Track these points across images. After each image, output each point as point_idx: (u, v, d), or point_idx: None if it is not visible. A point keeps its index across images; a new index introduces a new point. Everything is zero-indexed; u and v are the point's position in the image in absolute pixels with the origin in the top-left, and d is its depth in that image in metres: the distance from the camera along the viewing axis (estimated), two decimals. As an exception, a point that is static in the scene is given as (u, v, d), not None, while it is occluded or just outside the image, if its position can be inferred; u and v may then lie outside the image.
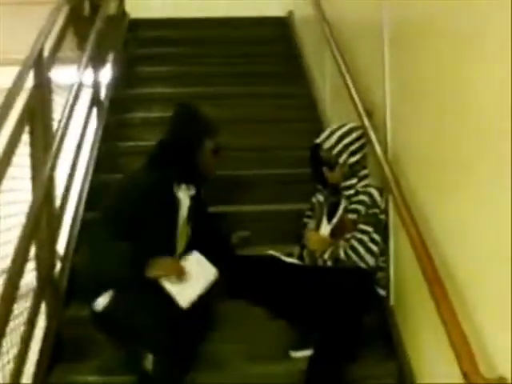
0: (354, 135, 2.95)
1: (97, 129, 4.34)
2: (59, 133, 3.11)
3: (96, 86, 4.48)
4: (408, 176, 2.65)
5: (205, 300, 2.67)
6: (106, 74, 4.91)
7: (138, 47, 5.71)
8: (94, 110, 4.40)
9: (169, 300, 2.58)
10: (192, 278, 2.63)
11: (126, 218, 2.64)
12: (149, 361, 2.54)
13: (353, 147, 2.93)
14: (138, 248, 2.58)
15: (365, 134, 2.96)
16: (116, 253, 2.58)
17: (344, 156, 2.92)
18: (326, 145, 2.96)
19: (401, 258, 2.81)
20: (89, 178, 3.91)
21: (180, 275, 2.62)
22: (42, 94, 3.11)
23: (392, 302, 2.94)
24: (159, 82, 5.15)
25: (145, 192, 2.69)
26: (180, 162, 2.78)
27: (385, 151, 2.85)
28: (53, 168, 3.00)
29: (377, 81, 3.08)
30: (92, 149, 4.15)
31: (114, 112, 4.67)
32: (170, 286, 2.59)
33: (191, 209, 2.86)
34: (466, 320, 1.99)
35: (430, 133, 2.38)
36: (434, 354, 2.41)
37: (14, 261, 2.47)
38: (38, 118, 3.02)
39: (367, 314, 2.79)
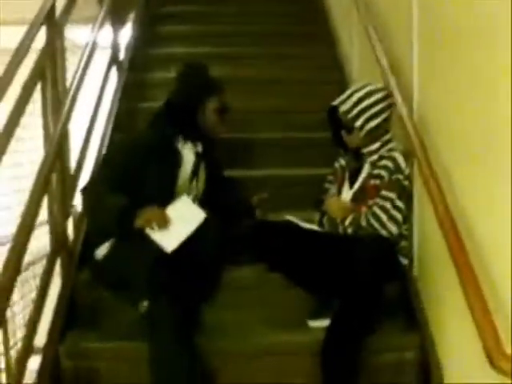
0: (374, 98, 2.79)
1: (116, 88, 4.24)
2: (71, 91, 3.01)
3: (115, 45, 4.36)
4: (435, 140, 2.51)
5: (202, 245, 2.60)
6: (126, 33, 4.79)
7: (160, 5, 5.57)
8: (113, 70, 4.29)
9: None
10: (176, 223, 2.60)
11: (123, 172, 2.67)
12: (143, 305, 2.52)
13: (372, 111, 2.78)
14: (133, 201, 2.58)
15: (389, 96, 2.81)
16: (107, 206, 2.61)
17: (361, 120, 2.77)
18: (343, 108, 2.81)
19: (425, 226, 2.69)
20: (107, 137, 3.82)
21: (162, 223, 2.58)
22: (54, 51, 2.99)
23: (415, 271, 2.83)
24: (180, 42, 5.01)
25: (142, 146, 2.73)
26: (182, 120, 2.79)
27: (410, 113, 2.70)
28: (64, 127, 2.91)
29: (405, 39, 2.92)
30: (111, 108, 4.06)
31: (134, 72, 4.56)
32: (153, 234, 2.58)
33: (196, 165, 2.84)
34: (490, 294, 1.88)
35: (461, 95, 2.23)
36: (457, 327, 2.30)
37: (23, 219, 2.39)
38: (49, 76, 2.92)
39: (388, 283, 2.69)
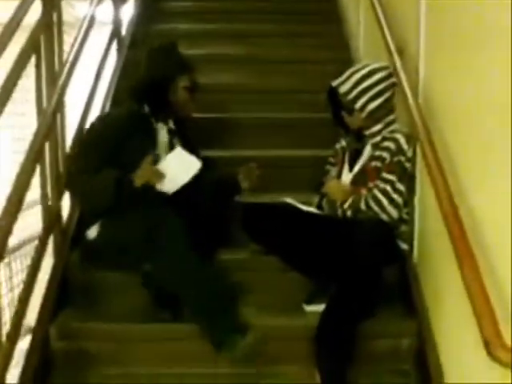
0: (375, 78, 2.69)
1: (116, 65, 4.15)
2: (67, 65, 2.93)
3: (116, 21, 4.27)
4: (439, 123, 2.43)
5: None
6: (129, 8, 4.70)
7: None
8: (114, 46, 4.21)
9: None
10: (172, 175, 2.67)
11: (103, 146, 2.72)
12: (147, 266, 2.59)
13: (372, 91, 2.68)
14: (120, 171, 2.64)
15: (392, 75, 2.72)
16: (99, 185, 2.63)
17: (361, 101, 2.68)
18: (342, 89, 2.72)
19: (426, 211, 2.61)
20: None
21: (159, 178, 2.64)
22: (49, 24, 2.91)
23: (415, 257, 2.76)
24: (185, 18, 4.93)
25: (118, 123, 2.78)
26: (153, 98, 2.80)
27: (415, 94, 2.61)
28: (59, 101, 2.83)
29: (411, 17, 2.84)
30: (109, 85, 3.98)
31: (135, 48, 4.46)
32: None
33: (171, 141, 2.86)
34: (491, 284, 1.80)
35: (467, 78, 2.14)
36: (456, 315, 2.23)
37: (11, 196, 2.32)
38: (43, 50, 2.83)
39: (387, 267, 2.62)
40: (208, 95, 3.24)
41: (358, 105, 2.68)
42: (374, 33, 3.34)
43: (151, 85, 2.81)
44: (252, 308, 2.68)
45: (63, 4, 3.21)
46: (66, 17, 3.26)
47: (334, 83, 2.76)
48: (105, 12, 4.22)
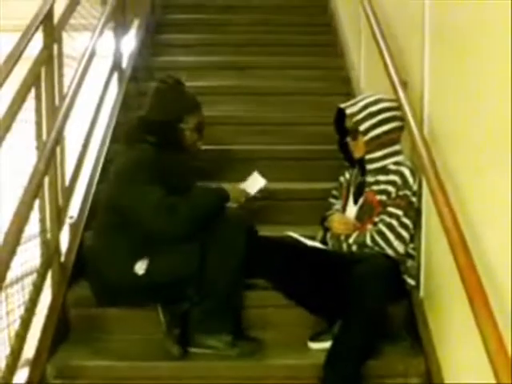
0: (382, 105, 2.70)
1: (116, 98, 4.13)
2: (67, 99, 2.89)
3: (117, 53, 4.26)
4: (445, 155, 2.39)
5: None
6: (130, 40, 4.69)
7: (166, 13, 5.49)
8: (114, 79, 4.19)
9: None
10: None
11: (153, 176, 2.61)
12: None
13: (378, 118, 2.68)
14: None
15: (397, 108, 2.70)
16: (205, 206, 2.66)
17: (366, 125, 2.67)
18: (349, 110, 2.73)
19: (433, 246, 2.56)
20: (105, 148, 3.71)
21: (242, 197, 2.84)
22: (50, 57, 2.89)
23: (422, 293, 2.70)
24: (186, 51, 4.93)
25: (148, 161, 2.64)
26: (161, 137, 2.71)
27: (420, 126, 2.57)
28: (59, 135, 2.79)
29: (415, 48, 2.82)
30: (110, 118, 3.94)
31: (136, 81, 4.46)
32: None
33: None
34: (505, 323, 1.74)
35: (472, 109, 2.11)
36: (466, 352, 2.16)
37: (9, 230, 2.27)
38: (44, 83, 2.82)
39: (393, 304, 2.60)
40: (207, 127, 3.20)
41: (363, 127, 2.67)
42: (375, 65, 3.32)
43: (158, 125, 2.73)
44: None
45: (64, 36, 3.21)
46: (66, 49, 3.26)
47: (343, 105, 2.77)
48: (105, 44, 4.21)
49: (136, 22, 4.91)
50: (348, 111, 2.72)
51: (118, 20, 4.30)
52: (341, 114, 2.79)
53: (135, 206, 2.56)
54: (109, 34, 4.23)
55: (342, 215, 2.76)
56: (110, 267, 2.64)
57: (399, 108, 2.70)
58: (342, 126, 2.80)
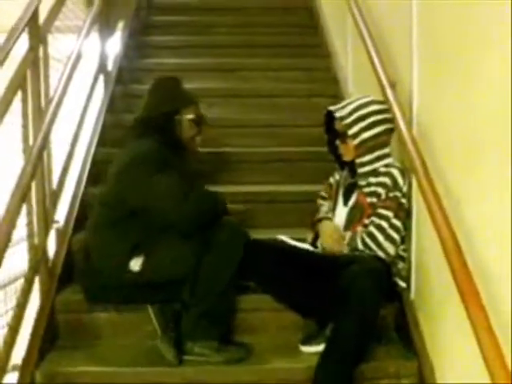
0: (372, 108, 2.68)
1: (103, 100, 4.09)
2: (53, 102, 2.86)
3: (103, 56, 4.23)
4: (435, 155, 2.38)
5: None
6: (115, 42, 4.65)
7: (152, 15, 5.47)
8: (100, 81, 4.16)
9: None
10: None
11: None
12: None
13: (368, 121, 2.66)
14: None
15: (387, 110, 2.69)
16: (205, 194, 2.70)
17: (355, 128, 2.65)
18: (339, 113, 2.70)
19: (423, 247, 2.55)
20: (91, 151, 3.67)
21: None
22: (36, 59, 2.86)
23: (413, 295, 2.69)
24: (172, 53, 4.90)
25: (156, 156, 2.63)
26: (157, 134, 2.69)
27: (409, 127, 2.57)
28: (45, 138, 2.76)
29: (403, 48, 2.81)
30: (96, 121, 3.91)
31: (122, 83, 4.43)
32: None
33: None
34: (497, 320, 1.73)
35: (463, 108, 2.10)
36: (458, 353, 2.16)
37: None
38: (30, 86, 2.79)
39: (384, 306, 2.57)
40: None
41: (352, 131, 2.65)
42: (363, 65, 3.31)
43: (156, 120, 2.73)
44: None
45: (50, 38, 3.18)
46: (52, 51, 3.22)
47: (332, 107, 2.74)
48: (91, 46, 4.18)
49: (121, 24, 4.87)
50: (337, 114, 2.70)
51: (103, 22, 4.27)
52: (330, 116, 2.77)
53: (153, 195, 2.55)
54: (94, 36, 4.21)
55: (334, 226, 2.72)
56: (104, 262, 2.62)
57: (388, 111, 2.69)
58: (332, 128, 2.78)
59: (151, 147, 2.64)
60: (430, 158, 2.38)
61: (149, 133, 2.70)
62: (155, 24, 5.34)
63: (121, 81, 4.44)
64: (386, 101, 2.70)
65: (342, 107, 2.72)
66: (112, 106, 4.13)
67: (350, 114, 2.66)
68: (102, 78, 4.20)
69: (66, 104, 3.18)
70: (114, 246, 2.62)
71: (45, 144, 2.76)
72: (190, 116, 2.79)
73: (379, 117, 2.67)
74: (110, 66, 4.39)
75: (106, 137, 3.84)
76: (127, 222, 2.61)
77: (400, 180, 2.62)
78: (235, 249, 2.58)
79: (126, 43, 4.82)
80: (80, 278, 2.83)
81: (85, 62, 4.05)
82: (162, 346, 2.57)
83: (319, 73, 4.65)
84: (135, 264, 2.60)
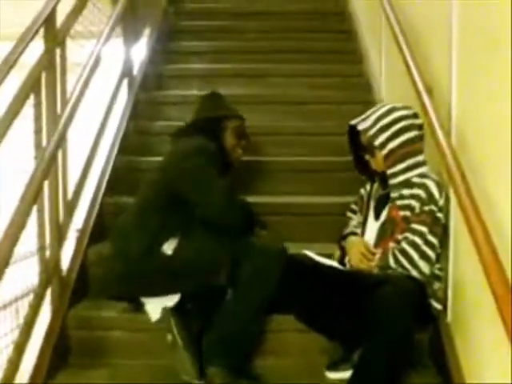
0: (396, 115, 2.51)
1: (125, 106, 3.96)
2: (69, 105, 2.73)
3: (127, 60, 4.10)
4: (476, 167, 2.19)
5: None
6: (141, 48, 4.53)
7: (179, 20, 5.34)
8: (124, 86, 4.03)
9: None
10: None
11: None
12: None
13: (393, 129, 2.49)
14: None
15: (413, 116, 2.53)
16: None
17: (381, 138, 2.49)
18: (362, 126, 2.55)
19: (462, 266, 2.36)
20: (111, 160, 3.54)
21: None
22: (52, 61, 2.73)
23: (449, 318, 2.49)
24: (199, 58, 4.75)
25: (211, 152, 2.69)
26: (205, 135, 2.76)
27: (448, 136, 2.37)
28: (60, 143, 2.63)
29: (441, 51, 2.62)
30: (118, 127, 3.77)
31: (147, 89, 4.30)
32: None
33: None
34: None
35: (505, 115, 1.90)
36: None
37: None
38: (44, 89, 2.67)
39: (418, 331, 2.39)
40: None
41: (378, 142, 2.49)
42: (397, 71, 3.15)
43: (205, 122, 2.86)
44: (267, 372, 2.47)
45: (72, 44, 3.10)
46: (75, 57, 3.11)
47: (354, 121, 2.60)
48: (115, 52, 4.07)
49: (148, 30, 4.75)
50: (360, 127, 2.55)
51: (129, 26, 4.15)
52: (354, 130, 2.61)
53: (203, 187, 2.58)
54: (119, 41, 4.10)
55: (362, 242, 2.55)
56: (138, 242, 2.53)
57: (416, 115, 2.54)
58: (359, 142, 2.62)
59: (206, 143, 2.71)
60: (470, 169, 2.18)
61: (197, 133, 2.78)
62: (183, 29, 5.20)
63: (146, 87, 4.31)
64: (415, 107, 2.52)
65: (364, 119, 2.57)
66: (135, 113, 4.00)
67: (373, 124, 2.51)
68: (126, 83, 4.07)
69: (86, 109, 3.07)
70: (152, 228, 2.56)
71: (58, 147, 2.62)
72: (232, 127, 2.91)
73: (405, 123, 2.50)
74: (135, 71, 4.26)
75: (128, 144, 3.70)
76: (169, 209, 2.59)
77: (436, 192, 2.43)
78: (272, 274, 2.46)
79: (152, 48, 4.70)
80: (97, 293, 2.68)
81: (108, 67, 3.96)
82: (180, 353, 2.44)
83: (351, 79, 4.47)
84: (168, 247, 2.53)
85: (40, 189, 2.45)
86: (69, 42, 3.05)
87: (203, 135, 2.75)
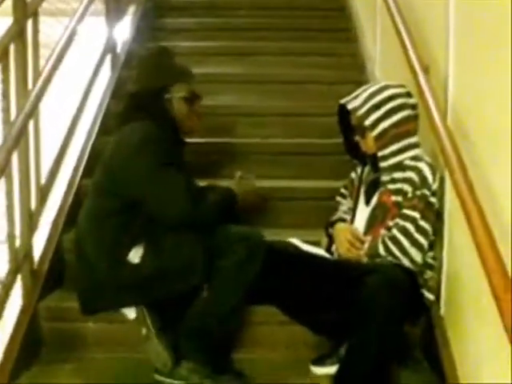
0: (387, 93, 2.36)
1: (108, 85, 3.80)
2: (41, 80, 2.58)
3: (110, 38, 3.95)
4: (473, 149, 2.06)
5: None
6: (126, 24, 4.37)
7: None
8: (107, 64, 3.87)
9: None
10: None
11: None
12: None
13: (385, 108, 2.34)
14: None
15: (406, 94, 2.39)
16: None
17: (372, 117, 2.35)
18: (352, 105, 2.41)
19: (457, 254, 2.25)
20: (90, 142, 3.39)
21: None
22: (22, 33, 2.57)
23: (442, 309, 2.38)
24: (186, 35, 4.60)
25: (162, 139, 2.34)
26: (148, 113, 2.39)
27: (443, 116, 2.25)
28: (28, 120, 2.48)
29: (438, 27, 2.50)
30: (100, 106, 3.63)
31: (131, 67, 4.12)
32: None
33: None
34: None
35: (507, 95, 1.76)
36: (495, 381, 1.83)
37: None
38: (16, 62, 2.52)
39: (408, 322, 2.28)
40: (207, 118, 2.88)
41: (369, 121, 2.35)
42: (392, 49, 3.04)
43: (145, 96, 2.44)
44: (249, 367, 2.36)
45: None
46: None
47: (344, 100, 2.46)
48: (100, 29, 3.92)
49: (133, 6, 4.59)
50: (350, 106, 2.41)
51: (111, 2, 3.99)
52: (344, 110, 2.47)
53: (159, 190, 2.27)
54: (101, 19, 3.95)
55: (350, 229, 2.41)
56: (101, 256, 2.30)
57: (409, 94, 2.41)
58: (348, 123, 2.48)
59: (151, 129, 2.34)
60: (466, 151, 2.06)
61: (140, 115, 2.40)
62: (168, 6, 5.03)
63: (129, 65, 4.13)
64: (418, 87, 2.39)
65: (354, 98, 2.42)
66: (118, 93, 3.82)
67: (364, 103, 2.37)
68: (109, 60, 3.91)
69: (63, 87, 2.92)
70: (111, 237, 2.31)
71: (27, 121, 2.46)
72: (181, 93, 2.48)
73: (398, 102, 2.36)
74: (118, 49, 4.10)
75: (109, 124, 3.53)
76: (127, 212, 2.32)
77: (429, 176, 2.29)
78: (250, 271, 2.27)
79: (137, 25, 4.55)
80: (73, 280, 2.53)
81: (91, 45, 3.81)
82: (155, 344, 2.29)
83: (344, 58, 4.34)
84: (134, 255, 2.30)
85: (5, 167, 2.28)
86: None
87: (148, 115, 2.38)
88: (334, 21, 4.80)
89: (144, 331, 2.32)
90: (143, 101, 2.42)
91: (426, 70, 2.47)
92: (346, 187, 2.65)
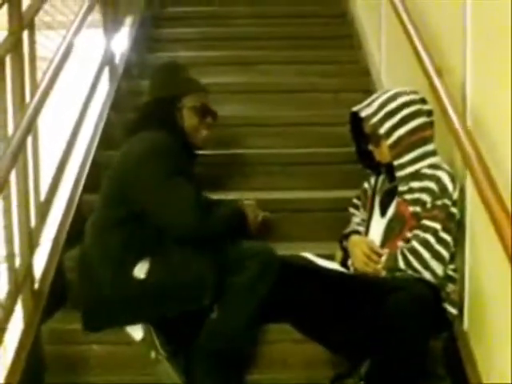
0: (401, 101, 2.27)
1: (107, 96, 3.71)
2: (39, 92, 2.48)
3: (108, 48, 3.85)
4: (496, 154, 1.95)
5: None
6: (123, 36, 4.29)
7: (163, 6, 5.14)
8: (105, 76, 3.78)
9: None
10: None
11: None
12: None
13: (399, 115, 2.25)
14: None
15: (421, 101, 2.30)
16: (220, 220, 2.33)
17: (387, 126, 2.26)
18: (364, 113, 2.31)
19: (480, 266, 2.15)
20: (92, 153, 3.28)
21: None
22: (18, 45, 2.47)
23: (466, 324, 2.27)
24: (185, 45, 4.51)
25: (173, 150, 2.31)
26: (162, 123, 2.38)
27: (463, 118, 2.15)
28: (26, 135, 2.38)
29: (453, 27, 2.40)
30: (99, 119, 3.52)
31: (130, 78, 4.06)
32: None
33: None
34: None
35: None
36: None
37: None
38: (13, 75, 2.43)
39: (431, 339, 2.15)
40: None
41: (384, 129, 2.26)
42: (398, 53, 2.92)
43: (156, 105, 2.45)
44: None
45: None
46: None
47: (356, 108, 2.36)
48: (97, 41, 3.84)
49: (130, 16, 4.51)
50: (363, 114, 2.31)
51: (109, 14, 3.91)
52: (356, 118, 2.37)
53: (167, 199, 2.21)
54: (99, 30, 3.86)
55: (366, 242, 2.31)
56: (106, 271, 2.22)
57: (424, 101, 2.32)
58: (361, 131, 2.38)
59: (162, 139, 2.31)
60: (490, 156, 1.95)
61: (151, 124, 2.39)
62: (167, 16, 4.99)
63: (128, 76, 4.06)
64: (433, 90, 2.29)
65: (367, 105, 2.33)
66: (118, 104, 3.73)
67: (377, 111, 2.27)
68: (107, 72, 3.82)
69: (62, 100, 2.83)
70: (116, 247, 2.24)
71: (26, 137, 2.36)
72: (192, 104, 2.47)
73: (412, 108, 2.26)
74: (117, 60, 4.01)
75: (109, 137, 3.44)
76: (133, 222, 2.25)
77: (449, 185, 2.19)
78: (263, 286, 2.20)
79: (135, 36, 4.46)
80: (76, 300, 2.43)
81: (89, 57, 3.73)
82: (166, 368, 2.21)
83: (347, 66, 4.26)
84: (140, 270, 2.22)
85: (4, 185, 2.18)
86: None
87: (158, 125, 2.37)
88: (336, 28, 4.75)
89: (153, 354, 2.21)
90: (154, 110, 2.43)
91: (439, 73, 2.38)
92: (358, 198, 2.55)
